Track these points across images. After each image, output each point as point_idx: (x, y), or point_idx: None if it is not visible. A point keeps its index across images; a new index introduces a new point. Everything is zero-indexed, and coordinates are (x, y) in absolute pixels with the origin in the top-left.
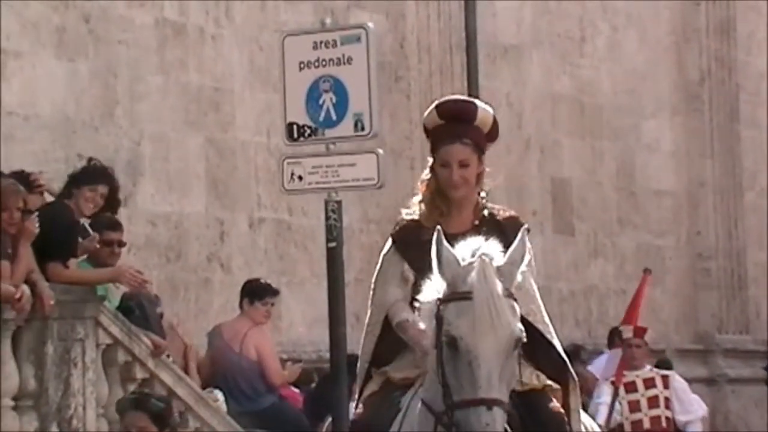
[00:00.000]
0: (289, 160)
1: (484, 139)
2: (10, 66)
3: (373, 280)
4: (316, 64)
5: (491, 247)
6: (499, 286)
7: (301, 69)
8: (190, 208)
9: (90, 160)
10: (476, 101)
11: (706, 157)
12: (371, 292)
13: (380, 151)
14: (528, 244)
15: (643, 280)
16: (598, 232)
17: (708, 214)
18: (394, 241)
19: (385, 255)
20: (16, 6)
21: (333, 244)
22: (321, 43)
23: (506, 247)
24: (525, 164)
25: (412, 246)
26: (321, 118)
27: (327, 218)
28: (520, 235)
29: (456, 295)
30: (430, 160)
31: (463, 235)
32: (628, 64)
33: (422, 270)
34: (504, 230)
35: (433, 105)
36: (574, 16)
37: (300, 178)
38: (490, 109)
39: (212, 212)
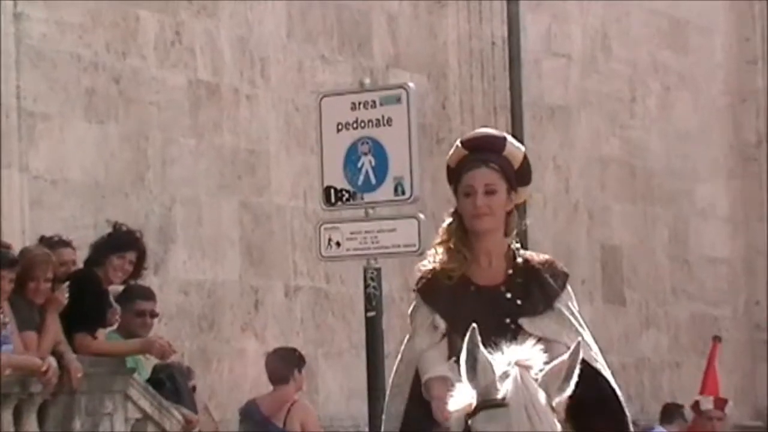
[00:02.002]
0: (327, 225)
1: (514, 173)
2: (38, 129)
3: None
4: (355, 125)
5: (532, 354)
6: (540, 395)
7: (339, 130)
8: (223, 276)
9: (116, 225)
10: (506, 135)
11: (764, 223)
12: (399, 355)
13: (421, 216)
14: (570, 291)
15: (713, 348)
16: (651, 302)
17: (766, 283)
18: (419, 294)
19: (411, 313)
20: (44, 67)
21: (372, 314)
22: (360, 103)
23: (547, 296)
24: (573, 230)
25: (439, 294)
26: (360, 182)
27: (366, 286)
28: (573, 347)
29: (488, 402)
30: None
31: (497, 288)
32: (681, 125)
33: (454, 319)
34: (541, 279)
35: (458, 141)
36: (624, 75)
37: (338, 244)
38: (522, 148)
39: (246, 280)
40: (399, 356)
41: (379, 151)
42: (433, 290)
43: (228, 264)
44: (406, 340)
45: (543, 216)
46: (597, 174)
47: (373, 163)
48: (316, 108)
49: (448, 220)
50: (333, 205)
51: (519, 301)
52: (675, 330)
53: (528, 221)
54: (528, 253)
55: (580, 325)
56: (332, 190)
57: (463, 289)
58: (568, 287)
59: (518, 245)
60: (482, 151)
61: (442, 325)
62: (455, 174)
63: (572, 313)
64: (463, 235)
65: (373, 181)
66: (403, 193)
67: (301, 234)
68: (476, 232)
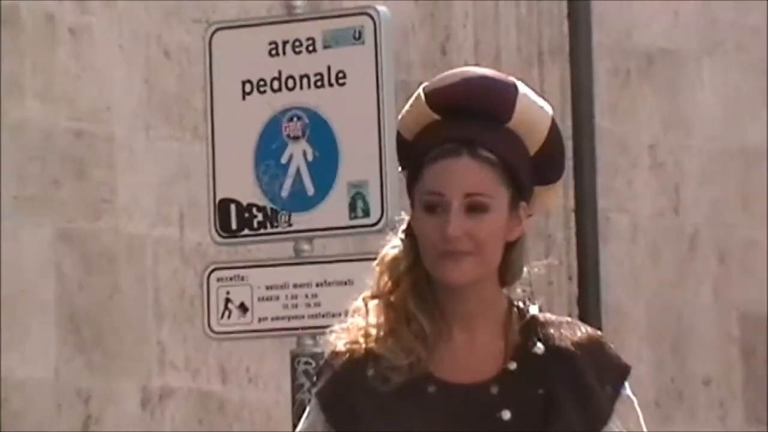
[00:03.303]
0: (222, 272)
1: (528, 163)
2: None
3: None
4: (277, 85)
5: None
6: None
7: (246, 95)
8: (26, 371)
9: None
10: (515, 80)
11: None
12: None
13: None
14: (634, 403)
15: None
16: None
17: None
18: (317, 398)
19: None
20: None
21: None
22: (286, 44)
23: (588, 411)
24: (685, 281)
25: (358, 400)
26: (284, 192)
27: (296, 388)
28: None
29: None
30: (403, 218)
31: (484, 389)
32: None
33: None
34: (578, 376)
35: (420, 88)
36: None
37: (243, 308)
38: (548, 108)
39: (69, 378)
40: None
41: (321, 135)
42: (346, 391)
43: (34, 349)
44: None
45: (624, 254)
46: (734, 178)
47: (311, 157)
48: (201, 52)
49: (391, 247)
50: (234, 234)
51: (526, 421)
52: None
53: (549, 258)
54: (550, 319)
55: None
56: (232, 208)
57: (412, 390)
58: (629, 394)
59: (534, 306)
60: (466, 115)
61: None
62: (413, 155)
63: None
64: (420, 282)
65: (310, 189)
66: (366, 213)
67: (173, 290)
68: (445, 283)
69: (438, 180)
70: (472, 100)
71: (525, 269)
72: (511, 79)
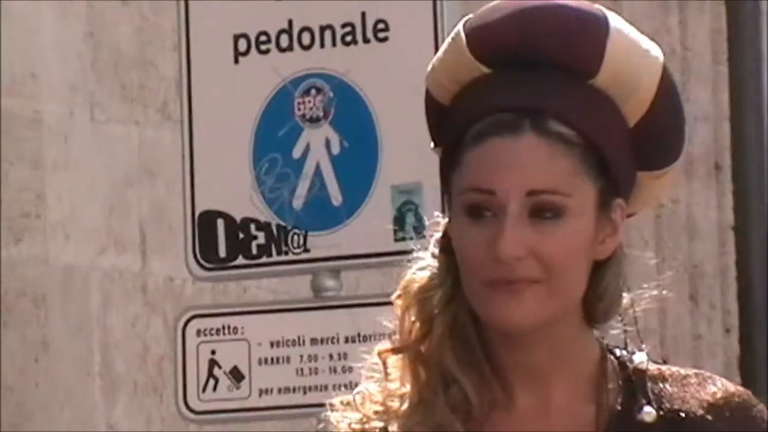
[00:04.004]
0: (204, 321)
1: (627, 140)
2: None
3: None
4: (284, 41)
5: None
6: None
7: (239, 57)
8: None
9: None
10: (603, 10)
11: None
12: None
13: None
14: None
15: None
16: None
17: None
18: None
19: None
20: None
21: None
22: None
23: None
24: None
25: None
26: (297, 201)
27: None
28: None
29: None
30: (439, 220)
31: None
32: None
33: None
34: None
35: (459, 25)
36: None
37: (236, 376)
38: (657, 51)
39: None
40: None
41: (352, 116)
42: None
43: None
44: None
45: None
46: None
47: (337, 149)
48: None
49: (419, 269)
50: (222, 265)
51: None
52: None
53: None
54: (667, 371)
55: None
56: (219, 225)
57: None
58: None
59: (641, 353)
60: (528, 67)
61: None
62: (449, 128)
63: None
64: (463, 323)
65: (336, 197)
66: (420, 231)
67: (131, 348)
68: (499, 328)
69: (486, 170)
70: (538, 42)
71: (625, 298)
72: (598, 7)
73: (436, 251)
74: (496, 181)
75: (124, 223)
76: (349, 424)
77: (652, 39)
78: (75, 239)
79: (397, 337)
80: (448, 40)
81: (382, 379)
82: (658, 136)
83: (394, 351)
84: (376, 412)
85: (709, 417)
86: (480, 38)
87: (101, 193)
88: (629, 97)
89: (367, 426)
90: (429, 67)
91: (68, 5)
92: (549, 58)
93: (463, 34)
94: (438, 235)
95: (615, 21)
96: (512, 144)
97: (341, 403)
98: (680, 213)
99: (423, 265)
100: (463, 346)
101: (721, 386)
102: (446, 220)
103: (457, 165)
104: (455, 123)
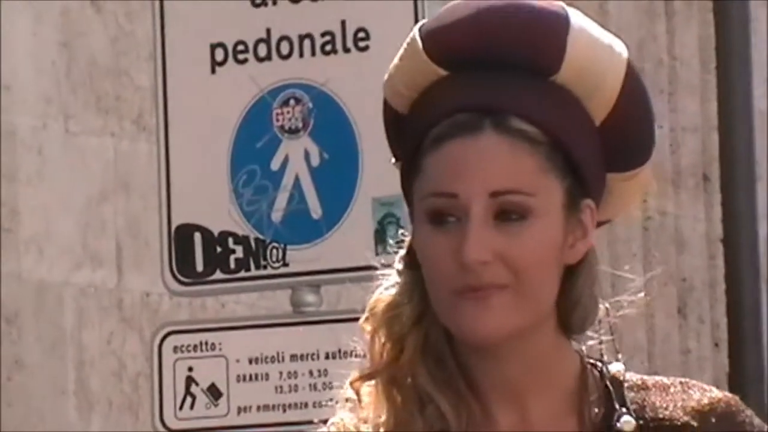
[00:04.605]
0: (181, 337)
1: (593, 138)
2: None
3: None
4: (262, 51)
5: None
6: None
7: (216, 67)
8: None
9: None
10: (563, 5)
11: None
12: None
13: None
14: None
15: None
16: None
17: None
18: None
19: None
20: None
21: None
22: None
23: None
24: None
25: None
26: (276, 214)
27: None
28: None
29: None
30: (403, 237)
31: None
32: None
33: None
34: None
35: (415, 29)
36: None
37: (213, 393)
38: (620, 46)
39: None
40: None
41: (332, 127)
42: None
43: None
44: None
45: None
46: None
47: (317, 160)
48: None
49: (386, 288)
50: (199, 280)
51: None
52: None
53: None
54: (649, 380)
55: None
56: (197, 239)
57: None
58: None
59: (617, 363)
60: (487, 66)
61: None
62: (409, 135)
63: None
64: (435, 339)
65: (316, 210)
66: (402, 244)
67: (106, 365)
68: (468, 341)
69: (446, 173)
70: (496, 40)
71: (601, 306)
72: (559, 4)
73: (401, 267)
74: (458, 183)
75: (99, 238)
76: None
77: (640, 48)
78: (49, 254)
79: (368, 361)
80: (404, 45)
81: (355, 409)
82: (626, 134)
83: (367, 377)
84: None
85: (694, 423)
86: (436, 40)
87: (76, 206)
88: (594, 94)
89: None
90: (386, 76)
91: (42, 14)
92: (508, 56)
93: (418, 38)
94: (402, 251)
95: (576, 17)
96: (473, 144)
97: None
98: (668, 225)
99: (389, 284)
100: (436, 363)
101: (707, 393)
102: (408, 235)
103: (417, 172)
104: (414, 129)
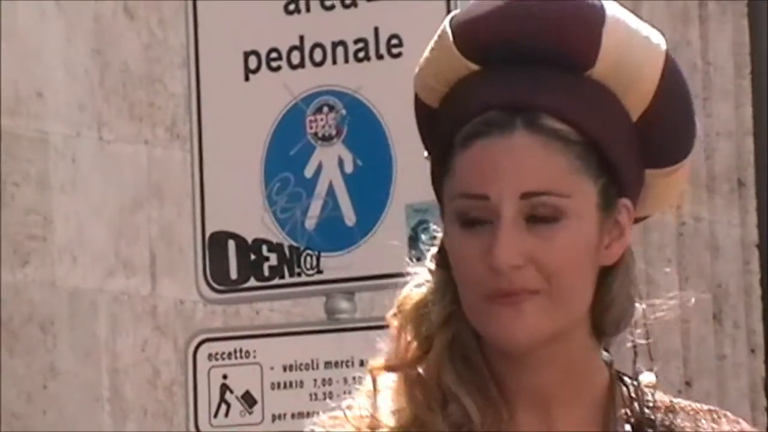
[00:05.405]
0: (215, 345)
1: (630, 135)
2: None
3: None
4: (295, 58)
5: None
6: None
7: (249, 74)
8: None
9: None
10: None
11: None
12: None
13: None
14: None
15: None
16: None
17: None
18: None
19: None
20: None
21: None
22: None
23: None
24: None
25: None
26: (310, 221)
27: None
28: None
29: None
30: (438, 234)
31: None
32: None
33: None
34: None
35: (446, 21)
36: None
37: (248, 400)
38: (658, 38)
39: None
40: None
41: (365, 134)
42: None
43: None
44: None
45: None
46: None
47: (350, 167)
48: (179, 9)
49: (416, 285)
50: (234, 287)
51: None
52: None
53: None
54: (679, 403)
55: None
56: (231, 246)
57: None
58: None
59: (648, 373)
60: (519, 61)
61: None
62: (439, 131)
63: None
64: (464, 340)
65: (350, 217)
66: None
67: (140, 373)
68: (499, 346)
69: (477, 174)
70: (528, 34)
71: (639, 307)
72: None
73: (433, 266)
74: (488, 184)
75: (132, 245)
76: None
77: (673, 53)
78: (83, 262)
79: (391, 354)
80: (435, 37)
81: (371, 396)
82: (664, 129)
83: (388, 369)
84: (367, 426)
85: None
86: (466, 33)
87: (109, 214)
88: (630, 88)
89: None
90: (416, 69)
91: (75, 22)
92: (541, 50)
93: (449, 31)
94: (434, 249)
95: (612, 9)
96: (504, 144)
97: (328, 420)
98: (703, 231)
99: (419, 282)
100: (464, 365)
101: (736, 425)
102: (441, 233)
103: (447, 171)
104: (444, 126)
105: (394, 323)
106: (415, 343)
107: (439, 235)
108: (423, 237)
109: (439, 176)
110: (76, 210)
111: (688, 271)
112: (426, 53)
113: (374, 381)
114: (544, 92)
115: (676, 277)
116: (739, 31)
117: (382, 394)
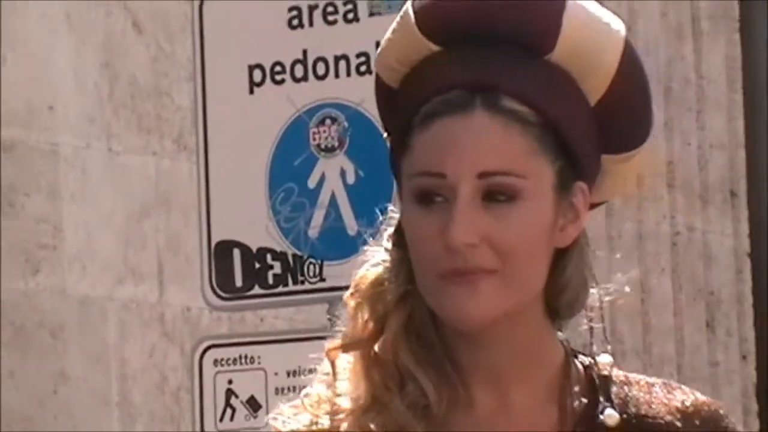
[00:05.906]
0: (221, 351)
1: (588, 119)
2: None
3: None
4: (299, 72)
5: None
6: None
7: (254, 87)
8: None
9: None
10: None
11: None
12: None
13: None
14: None
15: None
16: None
17: None
18: None
19: None
20: None
21: None
22: (313, 10)
23: None
24: None
25: None
26: (313, 231)
27: None
28: None
29: None
30: (391, 215)
31: None
32: None
33: None
34: None
35: (407, 3)
36: None
37: (251, 405)
38: (617, 23)
39: None
40: None
41: (367, 145)
42: None
43: None
44: None
45: None
46: None
47: (353, 178)
48: (186, 23)
49: (372, 265)
50: (239, 295)
51: None
52: None
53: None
54: (634, 378)
55: None
56: (236, 255)
57: None
58: None
59: (605, 355)
60: (479, 43)
61: None
62: (399, 111)
63: None
64: (420, 319)
65: (352, 226)
66: None
67: (148, 379)
68: (454, 324)
69: (435, 152)
70: (489, 16)
71: (593, 291)
72: None
73: (389, 246)
74: (446, 163)
75: (140, 254)
76: (297, 428)
77: (668, 67)
78: (92, 270)
79: (347, 334)
80: (397, 18)
81: (330, 380)
82: (622, 115)
83: (345, 348)
84: (324, 414)
85: (678, 424)
86: (428, 14)
87: (118, 224)
88: (589, 73)
89: (314, 428)
90: (378, 50)
91: (85, 37)
92: (501, 33)
93: (411, 12)
94: (391, 229)
95: None
96: (462, 123)
97: (288, 409)
98: (696, 240)
99: (376, 262)
100: (420, 342)
101: (690, 395)
102: (397, 213)
103: (406, 150)
104: (404, 105)
105: (351, 303)
106: (371, 323)
107: (396, 215)
108: None
109: (397, 154)
110: (85, 219)
111: (681, 280)
112: (388, 34)
113: (333, 364)
114: (504, 74)
115: (670, 285)
116: (731, 47)
117: (339, 377)
